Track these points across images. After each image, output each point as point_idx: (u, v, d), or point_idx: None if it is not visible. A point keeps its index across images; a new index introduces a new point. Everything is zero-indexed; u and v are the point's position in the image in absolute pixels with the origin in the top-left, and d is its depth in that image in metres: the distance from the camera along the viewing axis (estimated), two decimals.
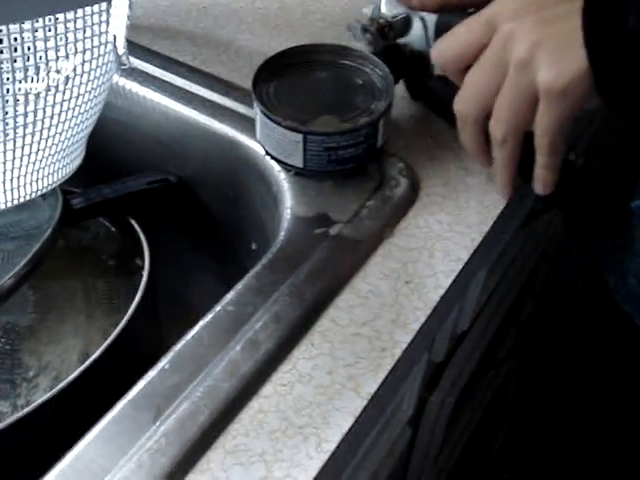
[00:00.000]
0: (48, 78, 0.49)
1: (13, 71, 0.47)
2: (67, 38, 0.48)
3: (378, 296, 0.55)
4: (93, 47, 0.51)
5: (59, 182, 0.58)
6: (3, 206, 0.54)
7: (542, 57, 0.49)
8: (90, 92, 0.53)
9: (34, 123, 0.51)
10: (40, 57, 0.47)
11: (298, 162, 0.62)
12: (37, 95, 0.49)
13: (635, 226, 0.73)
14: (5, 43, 0.45)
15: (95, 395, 0.53)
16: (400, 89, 0.66)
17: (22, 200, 0.56)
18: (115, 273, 0.75)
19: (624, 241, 0.76)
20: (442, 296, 0.55)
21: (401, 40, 0.66)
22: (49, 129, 0.53)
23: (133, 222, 0.70)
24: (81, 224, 0.74)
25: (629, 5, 0.46)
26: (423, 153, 0.66)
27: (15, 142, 0.51)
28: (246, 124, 0.68)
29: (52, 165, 0.56)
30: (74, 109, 0.53)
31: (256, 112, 0.63)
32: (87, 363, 0.57)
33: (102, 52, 0.52)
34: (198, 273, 0.83)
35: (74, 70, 0.50)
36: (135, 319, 0.61)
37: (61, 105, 0.52)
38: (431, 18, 0.63)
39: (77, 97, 0.52)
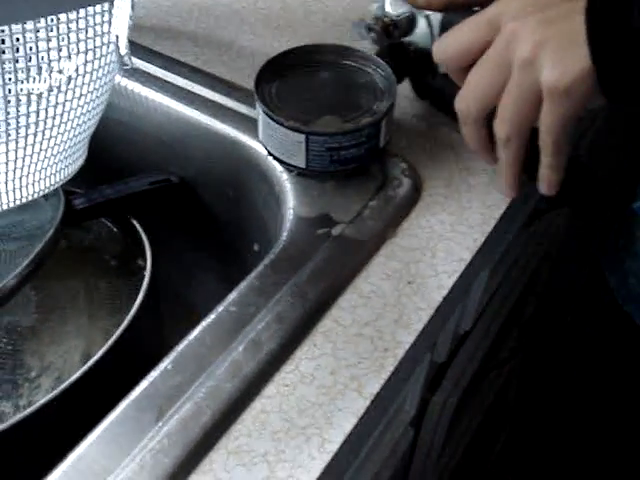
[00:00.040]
0: (50, 78, 0.49)
1: (15, 71, 0.47)
2: (69, 38, 0.48)
3: (380, 296, 0.55)
4: (95, 47, 0.51)
5: (61, 182, 0.58)
6: (5, 206, 0.54)
7: (545, 57, 0.49)
8: (92, 92, 0.53)
9: (36, 123, 0.51)
10: (42, 57, 0.47)
11: (300, 162, 0.62)
12: (39, 95, 0.49)
13: (636, 227, 0.73)
14: (7, 43, 0.45)
15: (97, 395, 0.53)
16: (402, 89, 0.66)
17: (24, 200, 0.56)
18: (117, 273, 0.75)
19: (625, 241, 0.76)
20: (445, 297, 0.55)
21: (406, 39, 0.66)
22: (51, 129, 0.52)
23: (135, 222, 0.70)
24: (83, 224, 0.74)
25: (633, 3, 0.46)
26: (425, 153, 0.66)
27: (17, 142, 0.51)
28: (248, 124, 0.68)
29: (54, 165, 0.56)
30: (76, 109, 0.53)
31: (258, 112, 0.63)
32: (89, 363, 0.57)
33: (104, 52, 0.52)
34: (200, 273, 0.83)
35: (76, 70, 0.50)
36: (137, 319, 0.61)
37: (63, 105, 0.52)
38: (436, 17, 0.63)
39: (79, 97, 0.52)
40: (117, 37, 0.53)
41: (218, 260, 0.79)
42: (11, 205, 0.55)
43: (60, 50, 0.48)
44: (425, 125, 0.69)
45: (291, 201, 0.62)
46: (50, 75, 0.49)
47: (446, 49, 0.56)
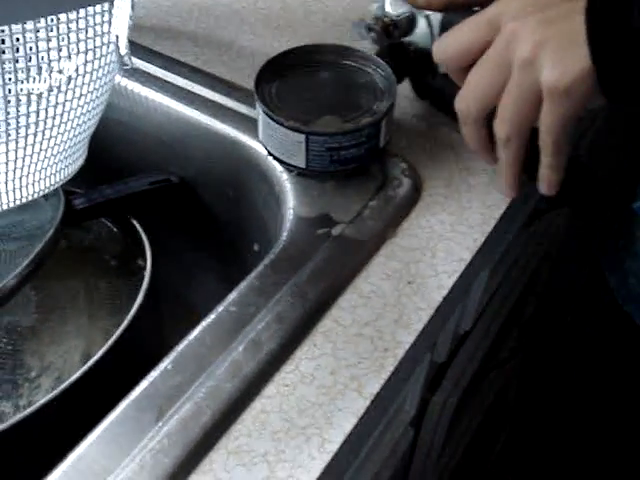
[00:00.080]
0: (50, 78, 0.49)
1: (15, 71, 0.47)
2: (69, 38, 0.48)
3: (381, 296, 0.55)
4: (95, 47, 0.51)
5: (61, 182, 0.58)
6: (6, 206, 0.54)
7: (545, 57, 0.49)
8: (92, 92, 0.53)
9: (36, 123, 0.51)
10: (42, 57, 0.47)
11: (300, 162, 0.62)
12: (39, 95, 0.49)
13: (636, 227, 0.73)
14: (7, 43, 0.45)
15: (97, 395, 0.53)
16: (402, 89, 0.66)
17: (24, 201, 0.56)
18: (117, 273, 0.75)
19: (625, 241, 0.76)
20: (445, 297, 0.55)
21: (406, 39, 0.66)
22: (51, 129, 0.52)
23: (135, 222, 0.70)
24: (83, 224, 0.74)
25: (633, 3, 0.46)
26: (425, 153, 0.66)
27: (17, 142, 0.51)
28: (248, 124, 0.68)
29: (54, 166, 0.56)
30: (76, 109, 0.53)
31: (258, 112, 0.63)
32: (89, 363, 0.57)
33: (105, 52, 0.52)
34: (200, 273, 0.83)
35: (76, 70, 0.50)
36: (137, 319, 0.61)
37: (63, 105, 0.52)
38: (436, 17, 0.63)
39: (79, 97, 0.52)
40: (117, 37, 0.53)
41: (218, 260, 0.79)
42: (11, 205, 0.55)
43: (60, 50, 0.48)
44: (425, 125, 0.69)
45: (291, 201, 0.62)
46: (50, 75, 0.49)
47: (446, 49, 0.56)
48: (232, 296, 0.55)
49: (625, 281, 0.77)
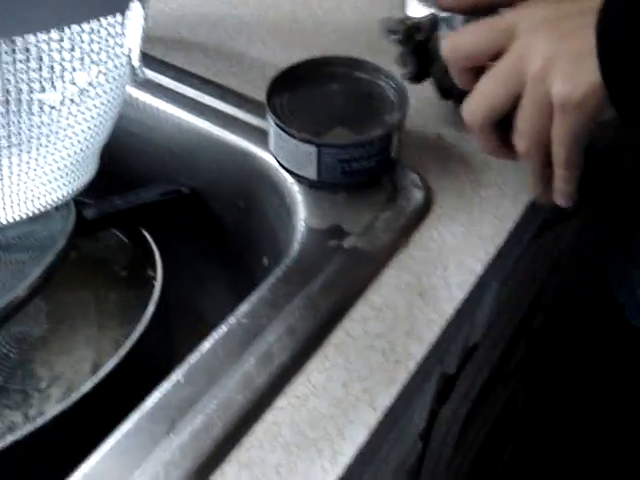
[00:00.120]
0: (64, 90, 0.49)
1: (30, 82, 0.47)
2: (83, 50, 0.48)
3: (392, 308, 0.55)
4: (109, 59, 0.51)
5: (73, 195, 0.58)
6: (18, 218, 0.55)
7: (557, 71, 0.49)
8: (105, 104, 0.53)
9: (48, 135, 0.51)
10: (55, 68, 0.47)
11: (312, 174, 0.62)
12: (52, 107, 0.49)
13: None
14: (20, 55, 0.45)
15: (108, 406, 0.53)
16: (413, 101, 0.66)
17: (36, 212, 0.56)
18: (127, 284, 0.75)
19: (632, 254, 0.76)
20: (456, 309, 0.55)
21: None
22: (63, 141, 0.53)
23: (145, 233, 0.71)
24: (93, 235, 0.74)
25: None
26: (436, 165, 0.66)
27: (30, 154, 0.51)
28: (259, 136, 0.68)
29: (66, 177, 0.56)
30: (89, 121, 0.53)
31: (269, 124, 0.63)
32: (101, 374, 0.57)
33: (118, 64, 0.52)
34: (210, 284, 0.83)
35: (90, 83, 0.50)
36: (148, 330, 0.61)
37: (76, 117, 0.52)
38: (459, 19, 0.63)
39: (92, 109, 0.53)
40: (130, 49, 0.53)
41: (228, 271, 0.79)
42: (23, 217, 0.55)
43: (73, 62, 0.48)
44: (436, 137, 0.69)
45: (302, 212, 0.62)
46: (64, 87, 0.49)
47: (456, 48, 0.56)
48: (243, 307, 0.54)
49: (633, 294, 0.77)
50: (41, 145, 0.51)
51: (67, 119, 0.51)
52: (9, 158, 0.50)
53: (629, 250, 0.78)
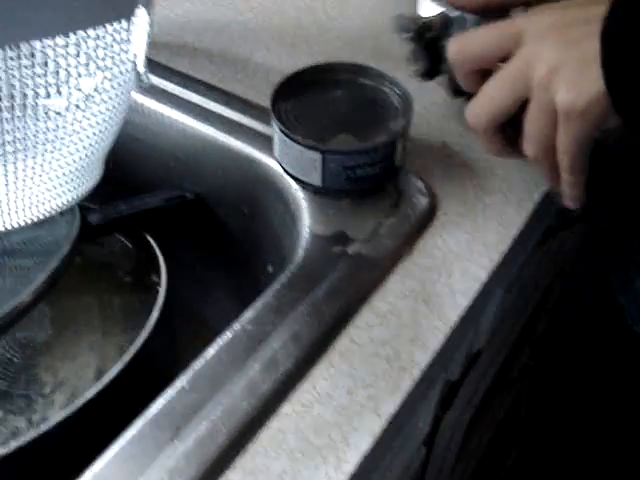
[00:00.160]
0: (69, 95, 0.49)
1: (35, 88, 0.47)
2: (89, 56, 0.48)
3: (397, 315, 0.55)
4: (114, 65, 0.51)
5: (78, 200, 0.58)
6: (23, 223, 0.55)
7: (561, 80, 0.50)
8: (110, 110, 0.54)
9: (54, 140, 0.51)
10: (61, 74, 0.47)
11: (316, 180, 0.62)
12: (57, 113, 0.50)
13: None
14: (26, 61, 0.45)
15: (112, 412, 0.53)
16: (418, 107, 0.66)
17: (41, 218, 0.56)
18: (131, 289, 0.75)
19: (636, 260, 0.76)
20: (461, 316, 0.55)
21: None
22: (68, 147, 0.53)
23: (150, 239, 0.71)
24: (98, 240, 0.74)
25: None
26: (441, 171, 0.66)
27: (35, 159, 0.51)
28: (263, 142, 0.68)
29: (71, 182, 0.56)
30: (94, 127, 0.53)
31: (274, 130, 0.63)
32: (105, 380, 0.57)
33: (123, 71, 0.52)
34: (214, 290, 0.83)
35: (95, 89, 0.51)
36: (152, 336, 0.61)
37: (81, 123, 0.52)
38: (470, 18, 0.63)
39: (97, 115, 0.53)
40: (135, 55, 0.53)
41: (233, 277, 0.79)
42: (28, 222, 0.55)
43: (79, 67, 0.48)
44: (441, 143, 0.69)
45: (307, 219, 0.62)
46: (70, 92, 0.49)
47: (463, 49, 0.56)
48: (248, 314, 0.54)
49: (635, 301, 0.77)
50: (46, 151, 0.51)
51: (72, 125, 0.51)
52: (14, 163, 0.50)
53: (632, 256, 0.78)
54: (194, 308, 0.83)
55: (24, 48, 0.45)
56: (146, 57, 0.55)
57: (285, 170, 0.64)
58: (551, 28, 0.51)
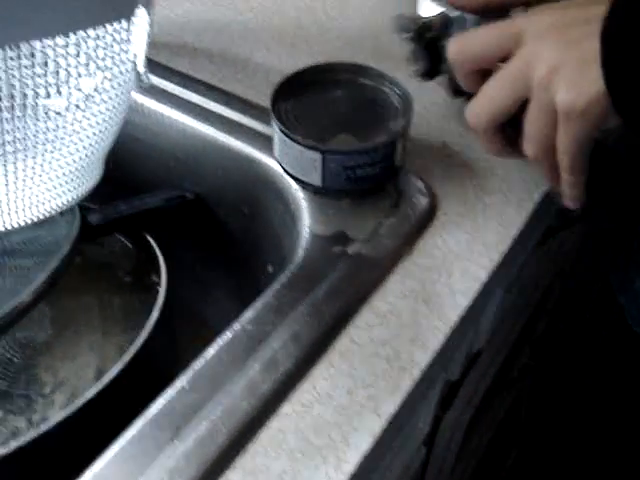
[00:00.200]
0: (69, 95, 0.49)
1: (35, 88, 0.47)
2: (89, 56, 0.48)
3: (397, 315, 0.55)
4: (114, 65, 0.51)
5: (78, 200, 0.58)
6: (22, 223, 0.55)
7: (561, 80, 0.50)
8: (110, 110, 0.54)
9: (54, 140, 0.51)
10: (61, 74, 0.47)
11: (316, 180, 0.62)
12: (57, 113, 0.50)
13: None
14: (26, 61, 0.45)
15: (112, 413, 0.53)
16: (418, 107, 0.66)
17: (41, 217, 0.56)
18: (131, 289, 0.75)
19: (636, 260, 0.76)
20: (460, 316, 0.55)
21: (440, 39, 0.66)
22: (68, 147, 0.53)
23: (149, 238, 0.70)
24: (97, 240, 0.74)
25: None
26: (441, 171, 0.66)
27: (35, 159, 0.51)
28: (263, 142, 0.68)
29: (71, 182, 0.56)
30: (94, 127, 0.53)
31: (274, 130, 0.63)
32: (105, 380, 0.57)
33: (123, 71, 0.52)
34: (214, 290, 0.83)
35: (95, 89, 0.51)
36: (152, 336, 0.61)
37: (81, 123, 0.52)
38: (470, 18, 0.63)
39: (97, 115, 0.53)
40: (135, 55, 0.53)
41: (233, 277, 0.79)
42: (28, 222, 0.55)
43: (78, 67, 0.48)
44: (441, 143, 0.69)
45: (307, 219, 0.62)
46: (70, 92, 0.49)
47: (463, 50, 0.56)
48: (248, 314, 0.54)
49: (635, 301, 0.77)
50: (46, 151, 0.51)
51: (72, 125, 0.51)
52: (14, 163, 0.50)
53: (632, 256, 0.78)
54: (194, 308, 0.83)
55: (24, 48, 0.45)
56: (146, 57, 0.55)
57: (285, 170, 0.64)
58: (551, 28, 0.51)
